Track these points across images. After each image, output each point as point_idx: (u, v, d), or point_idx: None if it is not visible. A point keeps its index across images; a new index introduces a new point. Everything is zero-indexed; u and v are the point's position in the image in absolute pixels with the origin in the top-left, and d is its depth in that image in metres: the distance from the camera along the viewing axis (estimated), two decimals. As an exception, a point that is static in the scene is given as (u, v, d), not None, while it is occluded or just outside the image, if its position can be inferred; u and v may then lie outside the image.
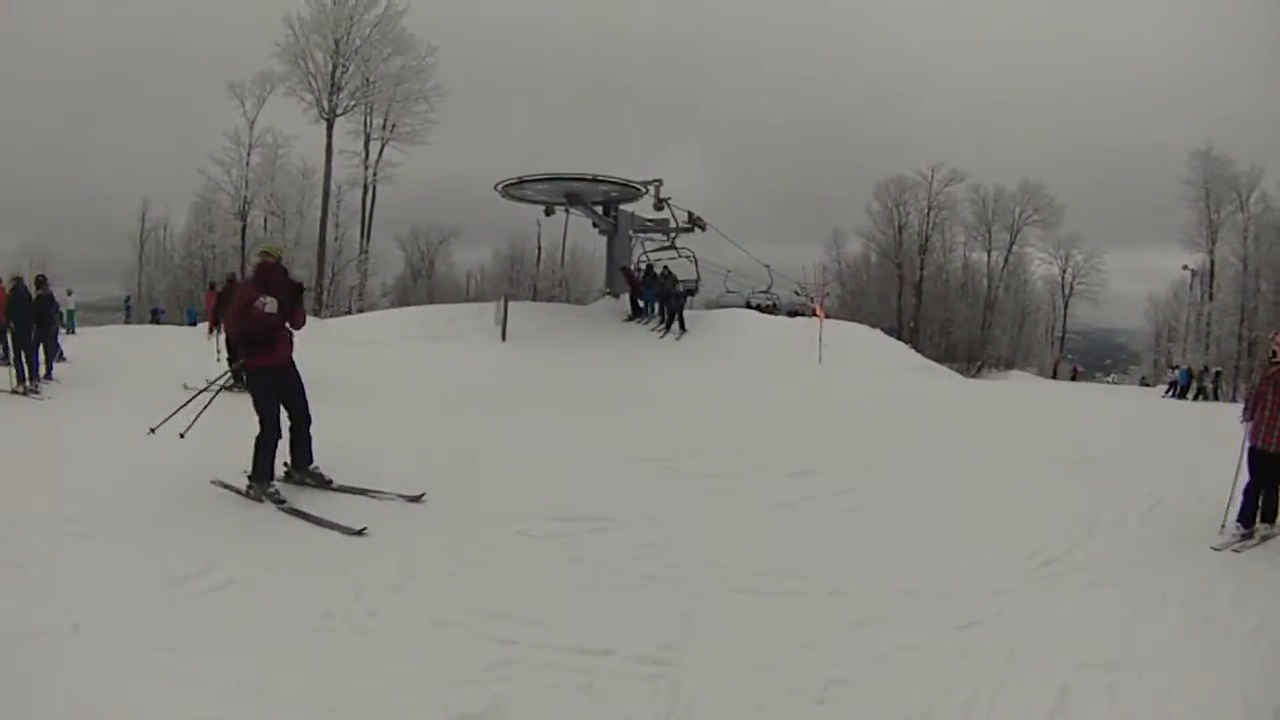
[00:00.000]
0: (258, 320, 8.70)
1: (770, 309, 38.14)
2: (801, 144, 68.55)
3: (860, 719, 5.18)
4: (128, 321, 40.48)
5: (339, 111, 45.78)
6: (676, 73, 70.60)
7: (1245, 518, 8.94)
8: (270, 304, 8.71)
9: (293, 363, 8.98)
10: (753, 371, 21.57)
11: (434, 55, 46.56)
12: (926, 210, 60.01)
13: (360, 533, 8.01)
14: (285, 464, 9.16)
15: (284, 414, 8.94)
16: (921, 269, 59.18)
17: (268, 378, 8.78)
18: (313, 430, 9.20)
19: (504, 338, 26.41)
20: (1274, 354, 9.29)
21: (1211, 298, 53.55)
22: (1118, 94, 65.98)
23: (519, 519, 8.53)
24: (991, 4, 70.60)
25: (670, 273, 31.67)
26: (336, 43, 45.40)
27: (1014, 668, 5.87)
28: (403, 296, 51.97)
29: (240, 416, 9.14)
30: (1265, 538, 8.85)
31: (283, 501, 8.62)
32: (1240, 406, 9.71)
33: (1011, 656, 6.03)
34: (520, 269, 56.56)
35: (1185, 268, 55.08)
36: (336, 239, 47.80)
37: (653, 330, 29.95)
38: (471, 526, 8.30)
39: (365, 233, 47.49)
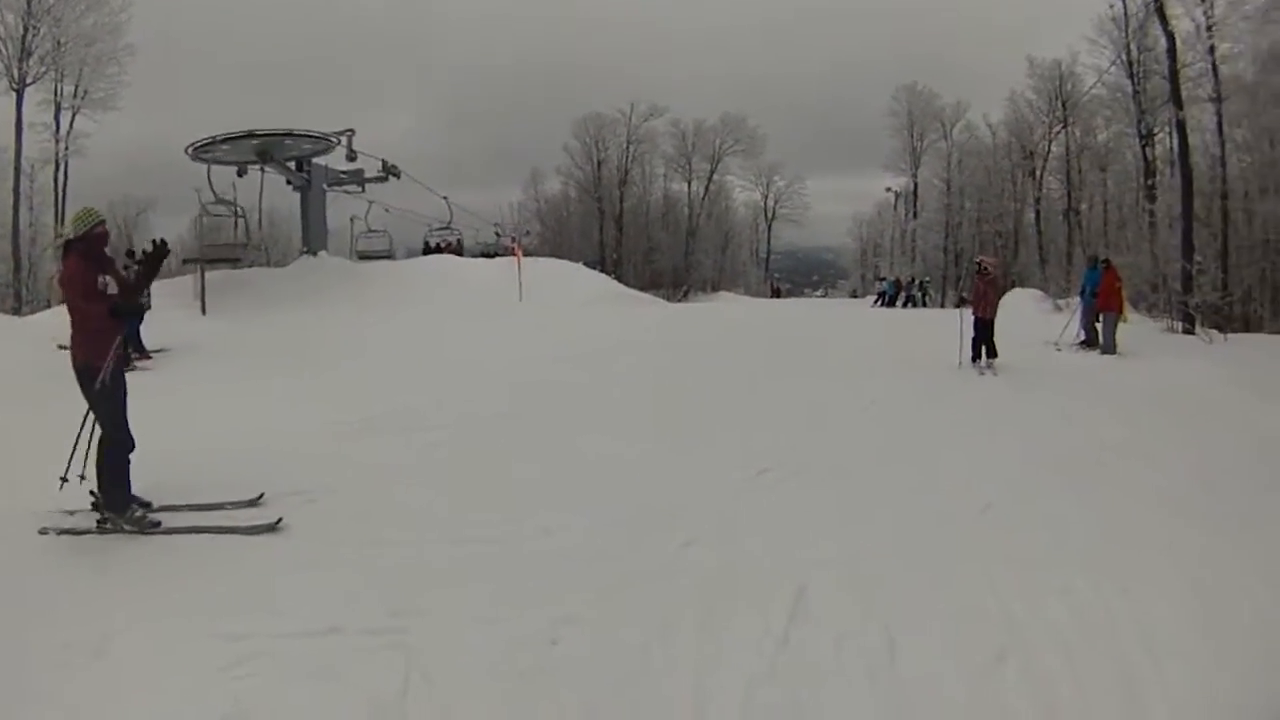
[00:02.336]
0: (105, 306, 7.35)
1: (453, 248, 37.83)
2: (507, 88, 68.70)
3: (594, 653, 5.30)
4: None
5: (29, 80, 41.56)
6: (393, 21, 69.46)
7: (975, 357, 15.94)
8: (112, 285, 7.50)
9: None
10: (456, 315, 21.74)
11: (128, 10, 42.62)
12: (626, 144, 61.07)
13: (276, 525, 7.49)
14: (93, 492, 7.55)
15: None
16: (621, 202, 60.60)
17: (117, 377, 7.46)
18: None
19: (204, 311, 25.07)
20: (980, 268, 17.15)
21: (915, 216, 57.38)
22: (823, 28, 69.51)
23: (219, 505, 7.98)
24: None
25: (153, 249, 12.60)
26: (28, 1, 41.36)
27: (744, 578, 6.19)
28: (103, 278, 48.22)
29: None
30: (990, 368, 15.73)
31: (158, 524, 7.48)
32: (958, 303, 19.13)
33: (738, 568, 6.37)
34: (218, 236, 54.02)
35: (889, 189, 59.28)
36: (31, 224, 43.31)
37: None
38: (169, 520, 7.64)
39: (59, 215, 43.40)
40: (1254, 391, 13.14)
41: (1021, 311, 33.20)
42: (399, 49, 70.66)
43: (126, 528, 7.37)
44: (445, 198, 39.05)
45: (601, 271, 42.06)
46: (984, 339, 16.00)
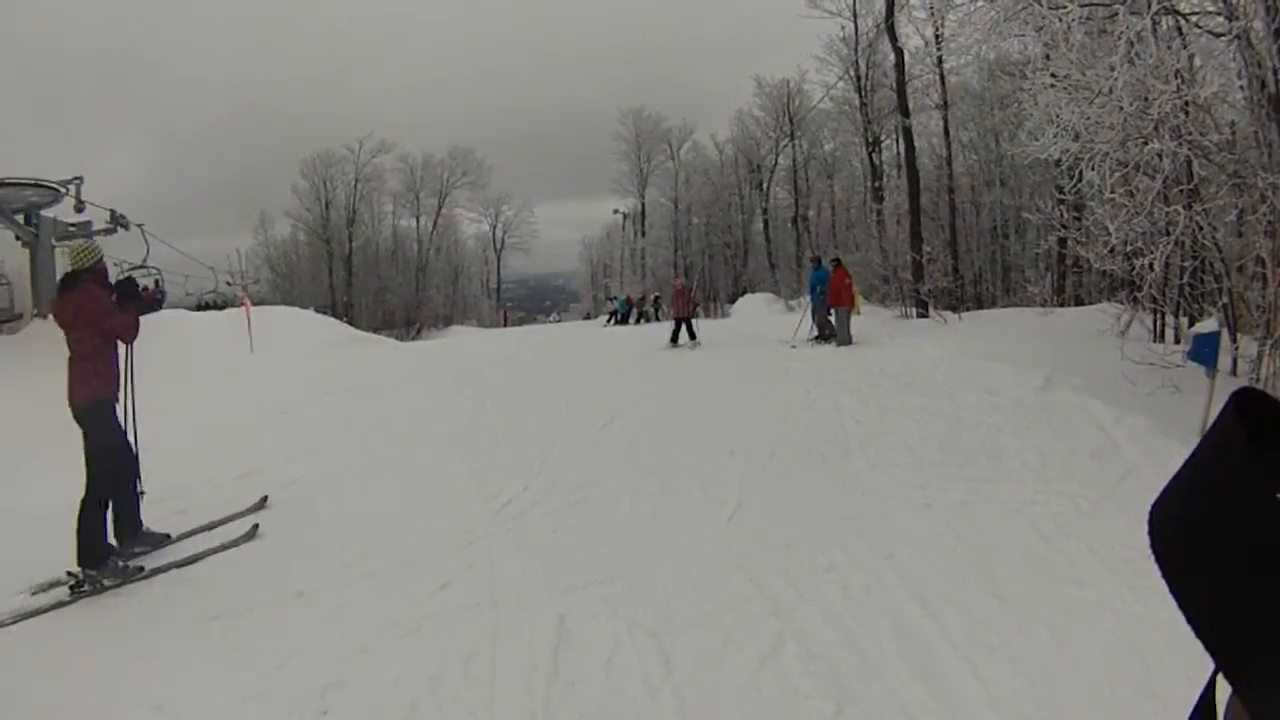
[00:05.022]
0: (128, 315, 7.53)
1: (152, 294, 35.49)
2: (236, 134, 67.78)
3: (364, 715, 4.91)
4: None
5: None
6: (116, 70, 67.66)
7: (673, 341, 21.91)
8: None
9: None
10: (188, 372, 20.43)
11: None
12: (354, 183, 60.05)
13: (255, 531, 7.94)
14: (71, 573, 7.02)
15: None
16: (351, 242, 59.51)
17: (114, 413, 7.35)
18: None
19: None
20: (673, 283, 26.67)
21: (644, 235, 58.75)
22: (552, 61, 71.31)
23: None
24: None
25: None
26: None
27: (502, 612, 5.96)
28: None
29: None
30: (693, 345, 21.51)
31: (141, 569, 7.18)
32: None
33: (495, 602, 6.13)
34: None
35: (617, 211, 60.65)
36: None
37: None
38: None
39: None
40: (979, 358, 14.08)
41: (755, 314, 34.00)
42: (126, 96, 69.11)
43: (107, 583, 6.97)
44: (141, 225, 35.97)
45: (333, 315, 40.77)
46: (684, 327, 22.57)
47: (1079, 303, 28.07)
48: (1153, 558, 0.72)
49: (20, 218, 29.51)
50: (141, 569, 7.24)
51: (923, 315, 26.26)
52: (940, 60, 33.63)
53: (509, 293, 67.10)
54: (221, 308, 34.15)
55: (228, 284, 41.59)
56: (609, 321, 43.20)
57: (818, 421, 10.93)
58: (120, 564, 7.19)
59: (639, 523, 7.65)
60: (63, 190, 29.74)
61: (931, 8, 22.28)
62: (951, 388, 12.12)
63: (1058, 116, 11.12)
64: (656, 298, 48.16)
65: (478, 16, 77.31)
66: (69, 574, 7.01)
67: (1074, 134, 11.03)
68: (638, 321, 42.48)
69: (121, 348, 7.65)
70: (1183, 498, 0.74)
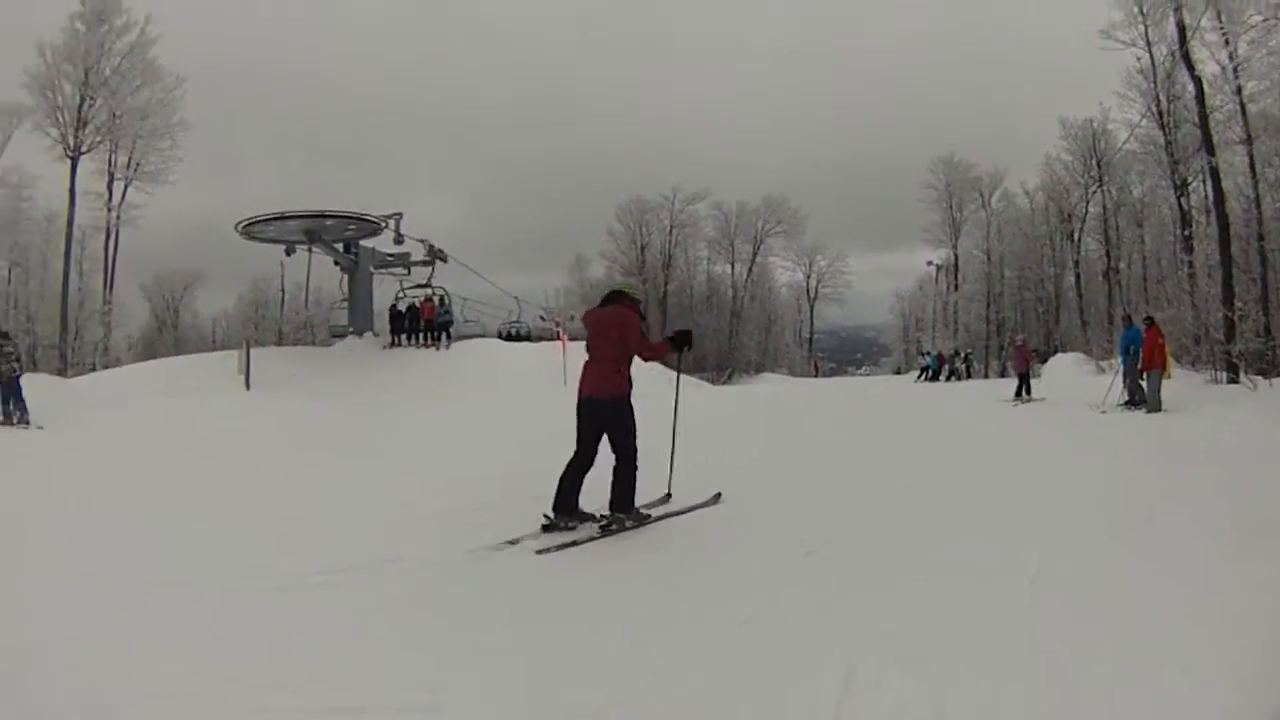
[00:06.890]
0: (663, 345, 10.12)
1: (521, 337, 38.66)
2: (549, 178, 72.19)
3: None
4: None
5: (84, 149, 43.42)
6: (436, 116, 73.13)
7: (1017, 395, 26.32)
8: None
9: None
10: (500, 401, 21.80)
11: (181, 87, 44.97)
12: (669, 228, 62.16)
13: (718, 498, 10.73)
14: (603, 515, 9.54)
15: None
16: (666, 284, 61.25)
17: (632, 407, 9.58)
18: None
19: (248, 386, 25.49)
20: (1014, 341, 31.79)
21: (957, 288, 57.90)
22: (860, 112, 72.00)
23: (274, 574, 7.97)
24: (738, 32, 77.40)
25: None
26: (86, 72, 43.05)
27: (795, 655, 6.02)
28: (149, 349, 50.42)
29: None
30: (1029, 401, 25.18)
31: (649, 515, 9.81)
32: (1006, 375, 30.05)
33: (790, 643, 6.23)
34: (264, 312, 55.46)
35: (930, 263, 60.04)
36: (79, 289, 45.08)
37: None
38: (223, 585, 7.64)
39: (108, 282, 45.75)
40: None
41: (1065, 375, 32.89)
42: (448, 138, 74.57)
43: (629, 524, 9.45)
44: (516, 298, 40.18)
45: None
46: (1024, 385, 26.83)
47: (1397, 369, 26.08)
48: None
49: (340, 246, 32.63)
50: (649, 515, 9.77)
51: (1233, 380, 24.93)
52: (1239, 89, 31.87)
53: (820, 343, 67.19)
54: (527, 337, 36.28)
55: (541, 319, 43.84)
56: (920, 377, 42.88)
57: (1120, 491, 10.80)
58: (643, 512, 9.73)
59: (937, 584, 7.52)
60: (383, 224, 32.98)
61: (1223, 29, 21.13)
62: (1257, 463, 11.65)
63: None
64: (968, 355, 47.36)
65: (782, 70, 78.35)
66: (602, 516, 9.45)
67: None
68: (948, 379, 41.99)
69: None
70: None
